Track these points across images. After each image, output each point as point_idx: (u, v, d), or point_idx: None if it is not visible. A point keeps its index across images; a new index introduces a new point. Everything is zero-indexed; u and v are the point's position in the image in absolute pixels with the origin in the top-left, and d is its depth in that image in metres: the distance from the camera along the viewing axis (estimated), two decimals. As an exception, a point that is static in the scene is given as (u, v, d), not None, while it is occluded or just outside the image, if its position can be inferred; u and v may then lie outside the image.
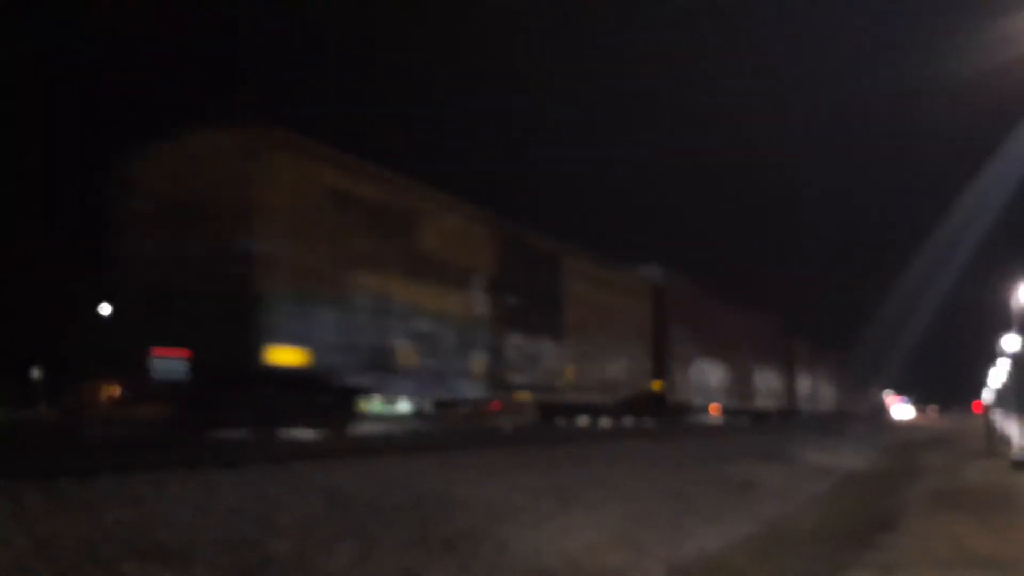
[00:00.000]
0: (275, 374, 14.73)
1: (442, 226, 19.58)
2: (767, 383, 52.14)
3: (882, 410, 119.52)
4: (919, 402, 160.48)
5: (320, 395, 16.26)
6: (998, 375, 62.60)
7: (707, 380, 39.60)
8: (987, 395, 76.36)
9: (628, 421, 32.41)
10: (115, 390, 18.43)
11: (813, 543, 12.10)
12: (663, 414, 33.74)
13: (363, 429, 18.98)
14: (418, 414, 27.13)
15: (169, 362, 14.34)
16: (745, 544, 11.96)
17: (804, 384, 63.51)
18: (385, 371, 17.55)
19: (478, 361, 21.10)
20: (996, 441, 36.73)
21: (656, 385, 33.67)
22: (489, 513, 10.79)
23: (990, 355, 53.78)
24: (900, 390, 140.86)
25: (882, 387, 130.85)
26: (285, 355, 14.77)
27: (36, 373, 36.40)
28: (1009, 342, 39.04)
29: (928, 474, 23.91)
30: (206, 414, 14.50)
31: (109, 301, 17.91)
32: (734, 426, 43.02)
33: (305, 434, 16.47)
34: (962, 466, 26.36)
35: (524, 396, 24.62)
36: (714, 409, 42.70)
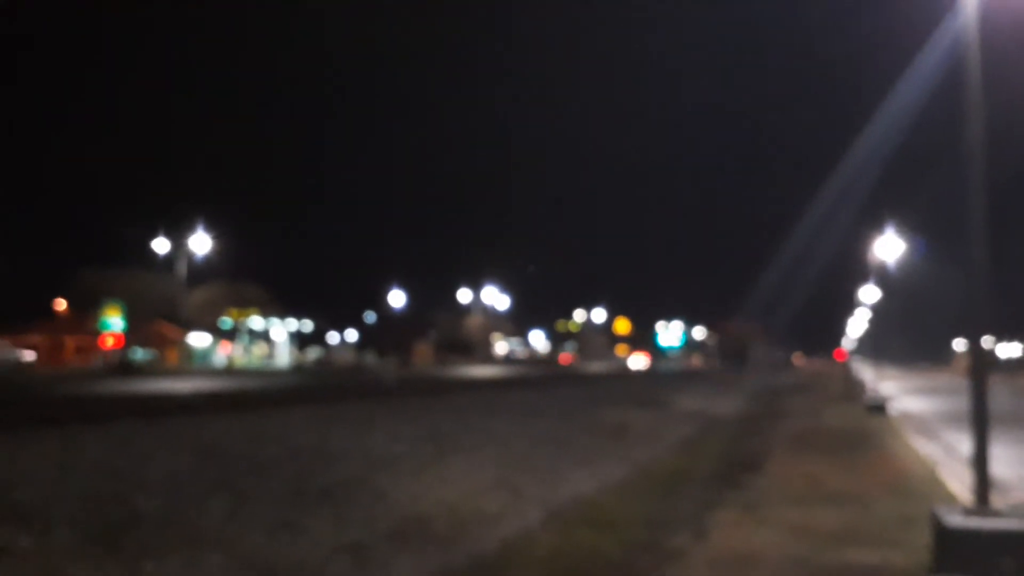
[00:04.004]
0: None
1: None
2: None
3: (782, 359, 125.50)
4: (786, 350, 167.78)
5: None
6: (856, 324, 66.15)
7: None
8: (846, 343, 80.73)
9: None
10: None
11: (682, 484, 12.59)
12: None
13: (239, 383, 18.61)
14: (297, 368, 26.80)
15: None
16: (618, 487, 12.34)
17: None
18: None
19: None
20: (853, 386, 38.98)
21: None
22: (367, 463, 10.76)
23: (849, 304, 56.63)
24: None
25: (775, 338, 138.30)
26: None
27: None
28: (866, 293, 41.19)
29: (791, 417, 25.19)
30: None
31: None
32: (614, 374, 44.19)
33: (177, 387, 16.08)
34: (822, 410, 27.89)
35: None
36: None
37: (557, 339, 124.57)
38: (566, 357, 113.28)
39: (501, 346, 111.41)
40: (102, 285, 64.34)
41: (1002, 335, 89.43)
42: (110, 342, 52.78)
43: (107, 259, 70.82)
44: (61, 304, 71.35)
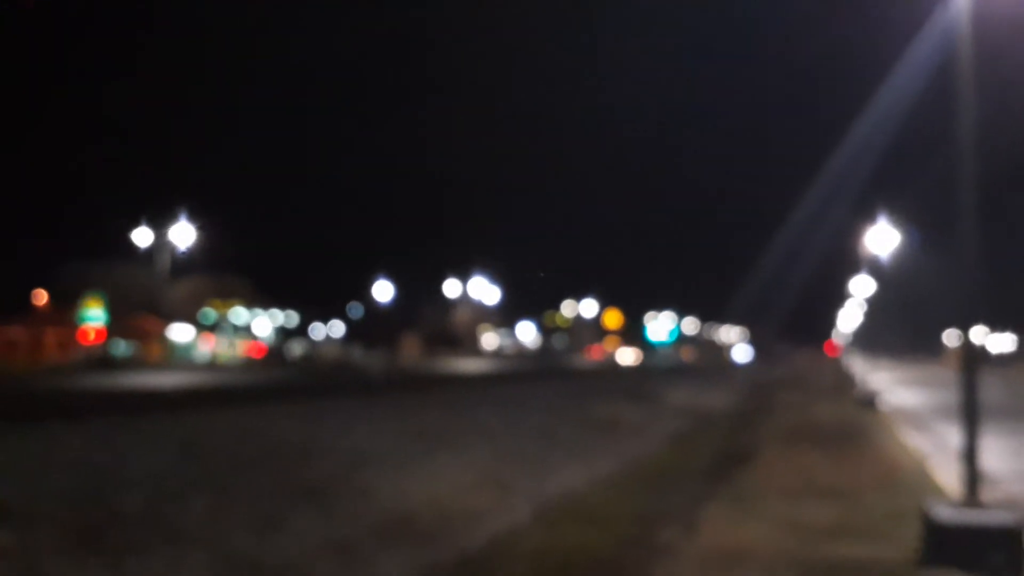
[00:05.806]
0: None
1: None
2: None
3: (781, 355, 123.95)
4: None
5: None
6: (848, 316, 66.06)
7: None
8: (836, 336, 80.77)
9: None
10: None
11: (673, 478, 12.52)
12: None
13: (222, 378, 18.50)
14: (281, 362, 26.74)
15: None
16: (608, 481, 12.26)
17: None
18: None
19: None
20: (845, 379, 39.06)
21: None
22: (353, 459, 10.64)
23: (842, 297, 56.34)
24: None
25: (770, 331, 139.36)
26: None
27: None
28: (859, 285, 41.10)
29: (782, 411, 25.15)
30: None
31: None
32: (606, 368, 44.23)
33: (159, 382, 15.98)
34: (813, 403, 27.87)
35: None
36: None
37: (547, 332, 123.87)
38: (598, 350, 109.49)
39: (490, 339, 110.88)
40: (84, 278, 63.49)
41: (995, 325, 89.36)
42: (91, 335, 52.22)
43: (89, 251, 69.52)
44: (42, 297, 70.33)
